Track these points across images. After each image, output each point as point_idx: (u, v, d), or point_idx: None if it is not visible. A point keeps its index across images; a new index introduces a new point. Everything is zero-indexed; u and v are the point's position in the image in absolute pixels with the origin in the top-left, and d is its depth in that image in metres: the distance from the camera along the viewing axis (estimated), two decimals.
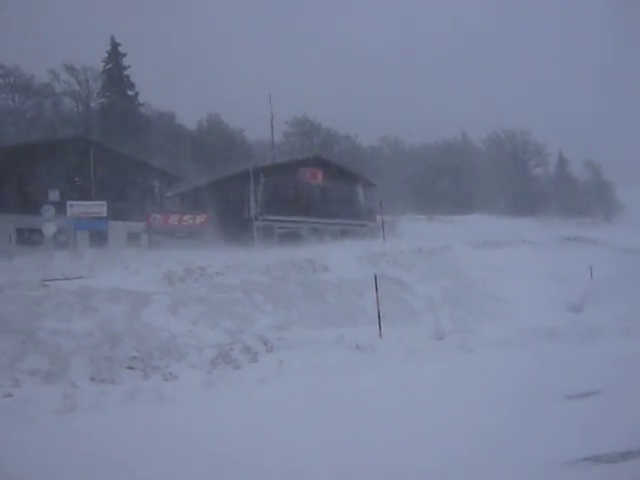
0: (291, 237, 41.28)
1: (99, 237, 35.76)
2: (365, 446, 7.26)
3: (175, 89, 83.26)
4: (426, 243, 26.94)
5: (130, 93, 62.46)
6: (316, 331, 16.04)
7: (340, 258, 23.32)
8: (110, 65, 62.44)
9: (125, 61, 62.40)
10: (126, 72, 62.31)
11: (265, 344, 14.54)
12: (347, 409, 9.19)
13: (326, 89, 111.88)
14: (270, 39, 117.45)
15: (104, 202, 35.77)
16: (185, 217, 40.23)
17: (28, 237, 34.10)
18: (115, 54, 61.93)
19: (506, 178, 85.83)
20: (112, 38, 61.40)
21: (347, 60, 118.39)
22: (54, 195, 36.45)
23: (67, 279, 18.78)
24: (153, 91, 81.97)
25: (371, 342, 14.99)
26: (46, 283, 17.37)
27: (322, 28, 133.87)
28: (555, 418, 8.26)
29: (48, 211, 30.48)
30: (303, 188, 46.57)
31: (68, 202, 34.74)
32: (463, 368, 12.70)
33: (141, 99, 63.66)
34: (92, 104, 69.79)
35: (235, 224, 42.80)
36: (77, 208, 34.81)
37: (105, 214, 35.33)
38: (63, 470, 6.76)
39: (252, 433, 8.00)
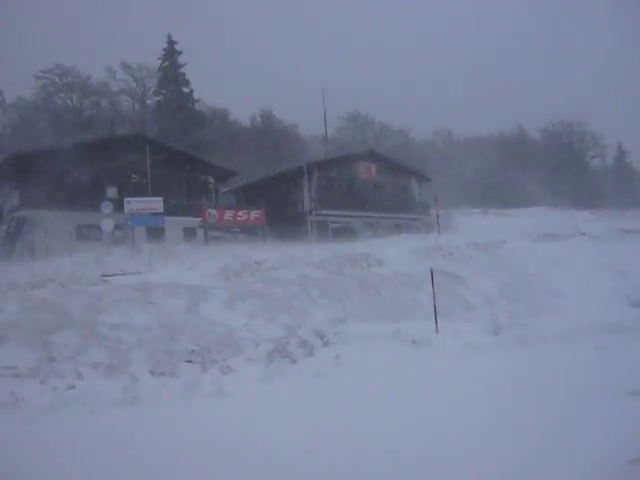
0: (345, 231, 41.30)
1: (156, 233, 36.23)
2: (425, 441, 7.23)
3: (229, 85, 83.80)
4: (482, 237, 26.65)
5: (185, 90, 62.89)
6: (372, 325, 15.99)
7: (395, 252, 23.23)
8: (166, 63, 62.99)
9: (180, 59, 62.89)
10: (181, 70, 62.80)
11: (321, 338, 14.55)
12: (405, 404, 9.16)
13: (378, 83, 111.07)
14: (322, 34, 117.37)
15: (160, 198, 36.03)
16: (240, 212, 40.47)
17: (87, 233, 34.80)
18: (171, 52, 62.39)
19: (563, 170, 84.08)
20: (169, 36, 61.81)
21: (399, 54, 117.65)
22: (112, 192, 37.20)
23: (126, 274, 19.15)
24: (207, 87, 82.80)
25: (427, 336, 14.89)
26: (106, 278, 17.75)
27: (375, 23, 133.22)
28: (617, 414, 8.09)
29: (107, 207, 31.03)
30: (357, 183, 46.60)
31: (125, 198, 35.12)
32: (521, 363, 12.55)
33: (195, 96, 64.14)
34: (148, 101, 70.78)
35: (289, 219, 43.04)
36: (134, 204, 35.19)
37: (161, 210, 35.62)
38: (127, 459, 6.91)
39: (311, 428, 8.04)
